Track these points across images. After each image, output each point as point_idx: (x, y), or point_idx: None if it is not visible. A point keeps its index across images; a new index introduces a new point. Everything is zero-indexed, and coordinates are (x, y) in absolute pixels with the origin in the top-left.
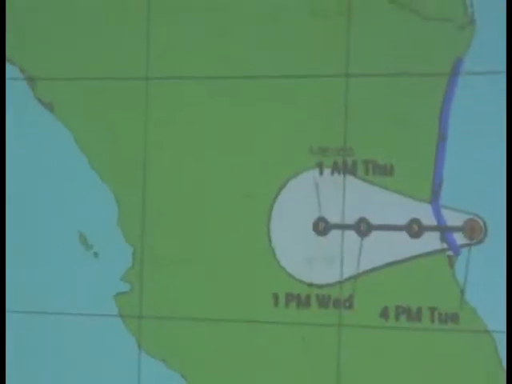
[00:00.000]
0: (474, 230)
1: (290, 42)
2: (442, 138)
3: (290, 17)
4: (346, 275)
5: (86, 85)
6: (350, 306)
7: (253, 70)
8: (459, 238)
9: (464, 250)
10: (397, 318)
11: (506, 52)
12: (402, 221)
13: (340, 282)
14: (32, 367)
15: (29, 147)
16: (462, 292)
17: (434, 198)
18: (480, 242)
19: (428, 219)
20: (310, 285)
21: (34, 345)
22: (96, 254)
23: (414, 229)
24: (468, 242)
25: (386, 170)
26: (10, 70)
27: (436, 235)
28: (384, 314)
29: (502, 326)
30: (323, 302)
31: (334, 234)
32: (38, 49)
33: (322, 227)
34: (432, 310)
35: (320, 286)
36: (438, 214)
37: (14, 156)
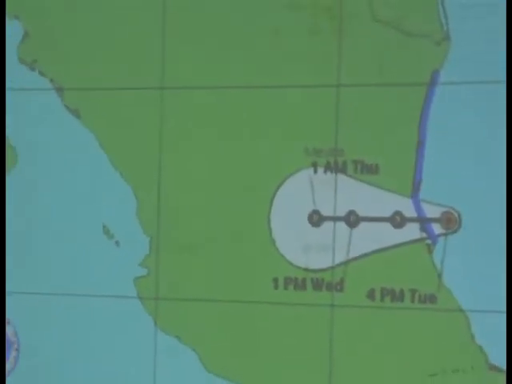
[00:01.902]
0: (450, 221)
1: (290, 56)
2: (421, 140)
3: (290, 35)
4: (337, 261)
5: (107, 94)
6: (341, 289)
7: (257, 80)
8: (437, 228)
9: (441, 239)
10: (382, 298)
11: (506, 63)
12: (387, 213)
13: (332, 268)
14: (57, 343)
15: (58, 149)
16: (439, 276)
17: (414, 193)
18: (455, 231)
19: (409, 212)
20: (306, 270)
21: (59, 323)
22: (117, 243)
23: (397, 220)
24: (444, 231)
25: (373, 169)
26: (42, 82)
27: (416, 226)
28: (371, 295)
29: (474, 305)
30: (317, 285)
31: (327, 225)
32: (65, 63)
33: (316, 219)
34: (413, 291)
35: (314, 271)
36: (417, 207)
37: (44, 158)
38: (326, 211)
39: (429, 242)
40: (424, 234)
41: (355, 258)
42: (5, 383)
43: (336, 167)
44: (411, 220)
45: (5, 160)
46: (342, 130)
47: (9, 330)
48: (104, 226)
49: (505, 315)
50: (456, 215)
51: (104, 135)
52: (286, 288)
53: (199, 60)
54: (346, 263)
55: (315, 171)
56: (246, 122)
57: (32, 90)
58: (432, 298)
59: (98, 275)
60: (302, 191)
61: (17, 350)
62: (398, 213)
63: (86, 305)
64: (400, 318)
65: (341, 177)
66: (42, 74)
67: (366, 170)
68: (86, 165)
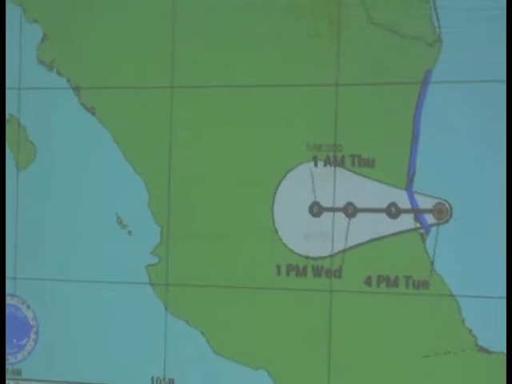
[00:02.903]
0: (442, 212)
1: (292, 58)
2: (415, 135)
3: (291, 37)
4: (336, 250)
5: (121, 93)
6: (340, 275)
7: (261, 80)
8: (429, 219)
9: (433, 229)
10: (378, 284)
11: (506, 63)
12: (382, 204)
13: (331, 256)
14: (74, 326)
15: (75, 145)
16: (432, 263)
17: (408, 186)
18: (446, 222)
19: (403, 203)
20: (307, 257)
21: (76, 308)
22: (130, 233)
23: (392, 211)
24: (436, 221)
25: (369, 163)
26: (59, 81)
27: (410, 216)
28: (367, 281)
29: (464, 290)
30: (317, 272)
31: (326, 215)
32: (82, 63)
33: (316, 210)
34: (407, 278)
35: (315, 259)
36: (411, 199)
37: (61, 153)
38: (325, 202)
39: (422, 231)
40: (417, 224)
41: (353, 247)
42: (4, 382)
43: (335, 161)
44: (405, 211)
45: (5, 160)
46: (340, 127)
47: (29, 315)
48: (118, 217)
49: (492, 300)
50: (447, 206)
51: (118, 131)
52: (288, 274)
53: (207, 61)
54: (344, 251)
55: (315, 165)
56: (251, 120)
57: (50, 89)
58: (425, 284)
59: (113, 263)
60: (303, 184)
61: (36, 333)
62: (393, 204)
63: (101, 290)
64: (395, 303)
65: (339, 170)
66: (59, 73)
67: (363, 164)
68: (101, 159)
